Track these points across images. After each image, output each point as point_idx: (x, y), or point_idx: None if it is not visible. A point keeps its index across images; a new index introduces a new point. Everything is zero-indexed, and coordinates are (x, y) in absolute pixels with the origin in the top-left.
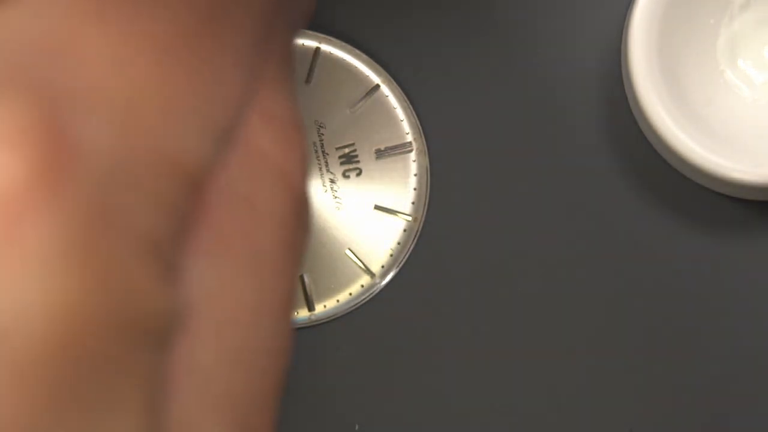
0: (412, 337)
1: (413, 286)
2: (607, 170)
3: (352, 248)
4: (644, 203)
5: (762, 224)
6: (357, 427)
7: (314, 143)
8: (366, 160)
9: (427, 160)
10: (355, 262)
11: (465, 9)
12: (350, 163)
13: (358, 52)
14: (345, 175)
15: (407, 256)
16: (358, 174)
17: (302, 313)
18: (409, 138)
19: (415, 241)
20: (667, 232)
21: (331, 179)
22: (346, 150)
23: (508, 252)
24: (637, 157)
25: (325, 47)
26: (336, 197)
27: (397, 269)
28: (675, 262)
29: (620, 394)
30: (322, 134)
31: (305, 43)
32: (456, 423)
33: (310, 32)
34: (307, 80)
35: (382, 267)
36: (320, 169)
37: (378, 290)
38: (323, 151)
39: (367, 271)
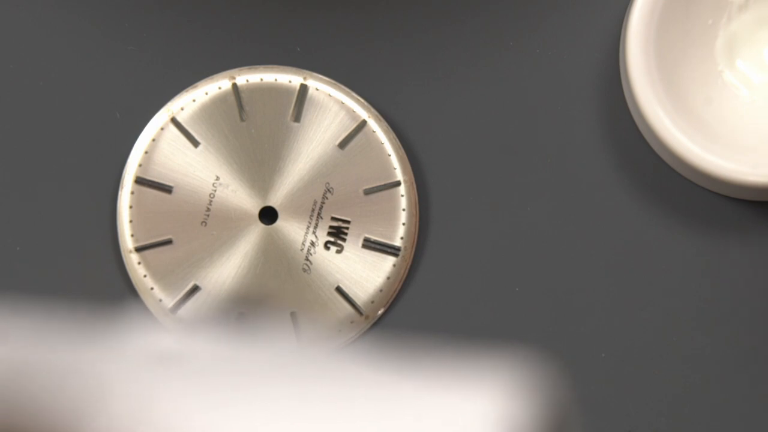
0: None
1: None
2: (605, 171)
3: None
4: (643, 203)
5: (760, 224)
6: None
7: (315, 201)
8: (352, 244)
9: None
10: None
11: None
12: (338, 237)
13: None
14: (326, 246)
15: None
16: (339, 251)
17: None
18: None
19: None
20: (665, 232)
21: (312, 242)
22: (341, 224)
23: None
24: (635, 158)
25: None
26: (307, 260)
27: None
28: (673, 261)
29: (620, 395)
30: (327, 198)
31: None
32: None
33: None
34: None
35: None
36: (308, 226)
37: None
38: (319, 214)
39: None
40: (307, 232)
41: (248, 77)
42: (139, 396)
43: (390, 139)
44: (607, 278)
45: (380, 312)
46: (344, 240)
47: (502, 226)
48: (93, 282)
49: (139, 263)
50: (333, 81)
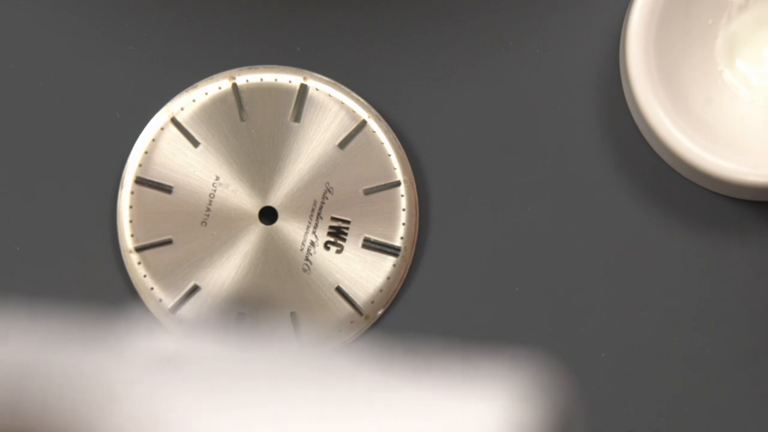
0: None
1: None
2: (606, 171)
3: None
4: (643, 203)
5: (760, 224)
6: None
7: (315, 201)
8: (352, 244)
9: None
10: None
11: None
12: (337, 237)
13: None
14: (326, 246)
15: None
16: (339, 251)
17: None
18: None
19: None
20: (665, 232)
21: (312, 242)
22: (341, 224)
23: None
24: (635, 158)
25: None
26: (307, 260)
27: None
28: (673, 261)
29: (620, 395)
30: (327, 198)
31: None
32: None
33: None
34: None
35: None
36: (308, 226)
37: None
38: (319, 214)
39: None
40: (307, 232)
41: (248, 77)
42: (140, 396)
43: (390, 139)
44: (607, 278)
45: (380, 312)
46: (344, 240)
47: (502, 226)
48: (93, 282)
49: (139, 263)
50: (333, 81)
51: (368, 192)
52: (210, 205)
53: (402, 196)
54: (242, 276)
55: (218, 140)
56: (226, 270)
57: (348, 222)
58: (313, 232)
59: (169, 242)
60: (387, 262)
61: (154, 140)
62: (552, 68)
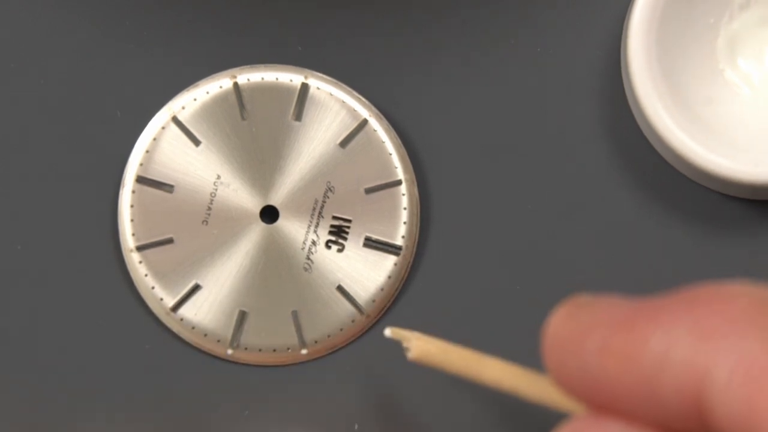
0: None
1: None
2: (607, 170)
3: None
4: (644, 203)
5: (762, 223)
6: None
7: (316, 200)
8: (353, 243)
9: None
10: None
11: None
12: (338, 236)
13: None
14: (327, 245)
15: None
16: (340, 250)
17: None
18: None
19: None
20: (666, 231)
21: (313, 241)
22: (342, 223)
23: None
24: (636, 157)
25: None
26: (308, 259)
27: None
28: (675, 261)
29: None
30: (328, 197)
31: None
32: None
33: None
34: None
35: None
36: (309, 225)
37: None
38: (320, 213)
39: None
40: (308, 231)
41: (249, 76)
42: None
43: (391, 138)
44: (608, 278)
45: (382, 311)
46: (345, 239)
47: (503, 225)
48: (93, 281)
49: (140, 262)
50: (334, 80)
51: (369, 191)
52: (211, 204)
53: (403, 194)
54: (243, 275)
55: (219, 139)
56: (227, 269)
57: (349, 221)
58: (315, 231)
59: (170, 241)
60: (388, 261)
61: (155, 139)
62: (553, 67)
